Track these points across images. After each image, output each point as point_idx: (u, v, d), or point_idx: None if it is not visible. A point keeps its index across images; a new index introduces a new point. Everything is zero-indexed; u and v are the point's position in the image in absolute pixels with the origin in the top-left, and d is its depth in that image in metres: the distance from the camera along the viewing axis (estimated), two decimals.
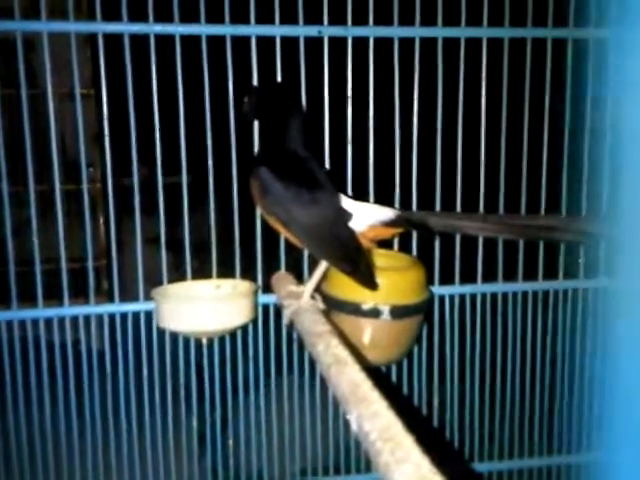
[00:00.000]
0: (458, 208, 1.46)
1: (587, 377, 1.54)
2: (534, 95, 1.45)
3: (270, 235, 1.30)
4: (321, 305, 1.22)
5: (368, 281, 1.18)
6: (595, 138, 1.43)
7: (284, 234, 1.20)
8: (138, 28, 1.31)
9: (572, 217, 1.39)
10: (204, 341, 1.42)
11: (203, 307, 1.29)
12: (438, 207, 1.46)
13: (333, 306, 1.25)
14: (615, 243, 0.40)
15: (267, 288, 1.39)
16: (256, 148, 1.37)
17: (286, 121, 1.18)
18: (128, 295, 1.44)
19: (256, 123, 1.35)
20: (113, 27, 1.31)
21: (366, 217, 1.15)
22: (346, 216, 1.15)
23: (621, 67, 0.39)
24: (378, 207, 1.18)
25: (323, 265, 1.20)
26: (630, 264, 0.40)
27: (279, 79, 1.38)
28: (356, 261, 1.15)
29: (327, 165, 1.41)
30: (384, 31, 1.39)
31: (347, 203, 1.16)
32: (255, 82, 1.36)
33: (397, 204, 1.43)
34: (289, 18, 1.36)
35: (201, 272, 1.44)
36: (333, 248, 1.15)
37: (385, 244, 1.38)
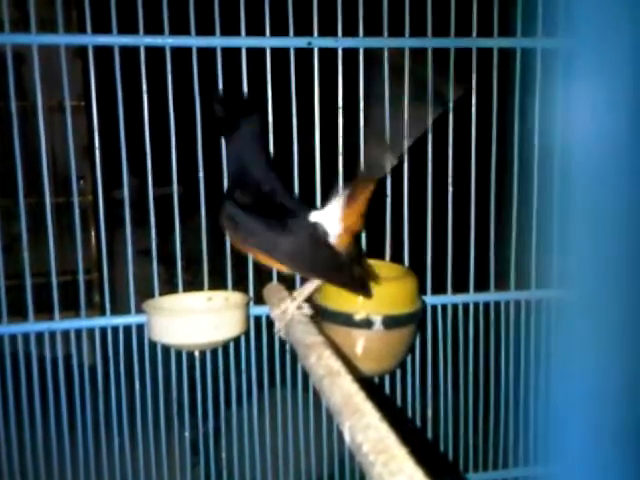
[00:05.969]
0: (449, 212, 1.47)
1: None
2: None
3: None
4: (307, 310, 1.19)
5: (362, 290, 1.17)
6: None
7: (267, 263, 1.17)
8: (128, 40, 1.31)
9: None
10: (196, 354, 1.41)
11: (195, 320, 1.28)
12: (430, 215, 1.46)
13: (325, 317, 1.24)
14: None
15: (259, 300, 1.39)
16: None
17: (244, 144, 1.16)
18: (120, 308, 1.43)
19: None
20: (103, 39, 1.31)
21: (333, 214, 1.12)
22: (322, 231, 1.11)
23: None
24: (338, 197, 1.13)
25: (315, 281, 1.20)
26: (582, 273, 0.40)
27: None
28: (345, 273, 1.14)
29: (317, 175, 1.41)
30: (374, 42, 1.40)
31: (316, 216, 1.13)
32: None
33: (389, 210, 1.43)
34: (279, 30, 1.36)
35: (193, 284, 1.44)
36: (319, 267, 1.14)
37: (377, 254, 1.38)
